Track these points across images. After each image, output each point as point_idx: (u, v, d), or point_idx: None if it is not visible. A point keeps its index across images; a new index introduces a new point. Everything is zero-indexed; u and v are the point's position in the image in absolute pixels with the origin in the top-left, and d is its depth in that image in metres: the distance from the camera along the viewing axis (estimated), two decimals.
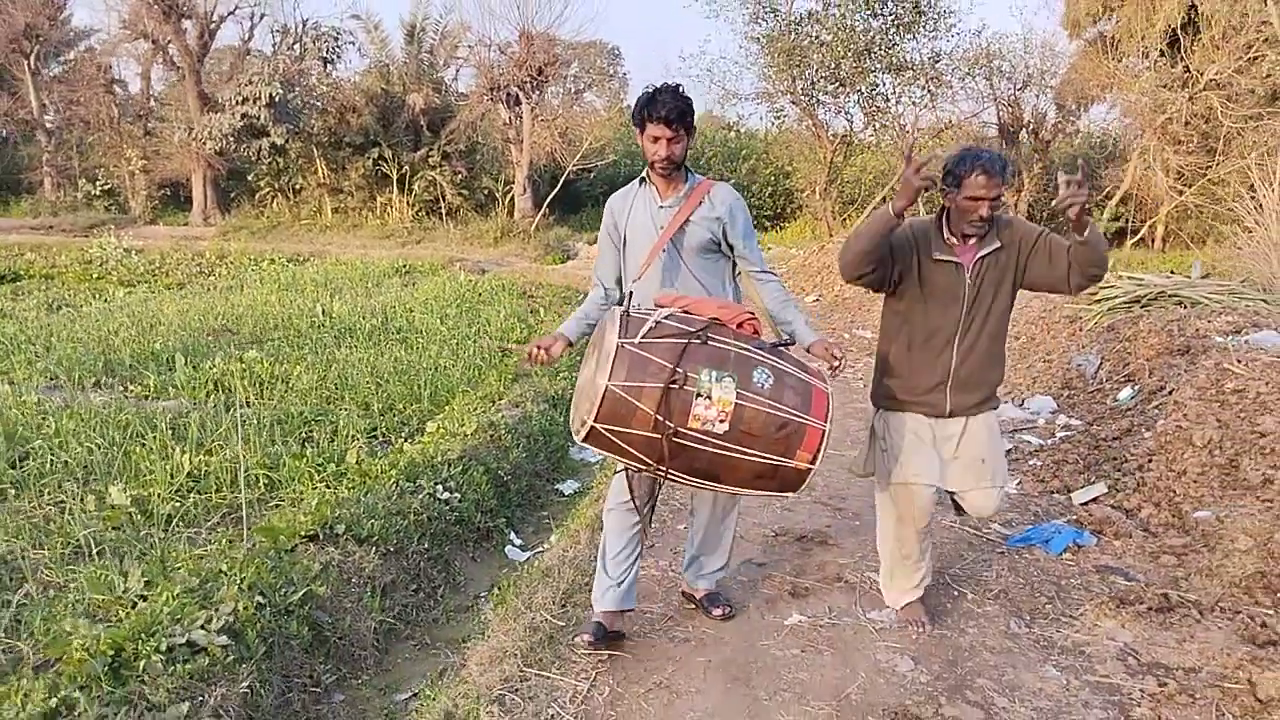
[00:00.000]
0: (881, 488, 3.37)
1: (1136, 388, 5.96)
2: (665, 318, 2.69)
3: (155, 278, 14.53)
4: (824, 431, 2.63)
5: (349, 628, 3.61)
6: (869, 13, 16.54)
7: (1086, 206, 2.80)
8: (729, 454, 2.60)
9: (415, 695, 3.37)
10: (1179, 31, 15.99)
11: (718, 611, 3.43)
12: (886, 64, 16.85)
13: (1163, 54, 16.44)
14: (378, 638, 3.68)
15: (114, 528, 4.45)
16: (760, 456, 2.61)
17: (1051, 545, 4.12)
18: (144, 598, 3.52)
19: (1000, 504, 3.31)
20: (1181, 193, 16.32)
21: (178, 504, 4.70)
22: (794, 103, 18.33)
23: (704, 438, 2.58)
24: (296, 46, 23.13)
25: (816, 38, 17.00)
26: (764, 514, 4.63)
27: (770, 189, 24.87)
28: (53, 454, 5.23)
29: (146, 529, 4.45)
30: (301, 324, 9.57)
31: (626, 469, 2.97)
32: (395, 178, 22.94)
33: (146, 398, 6.77)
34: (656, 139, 2.98)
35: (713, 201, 3.09)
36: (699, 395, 2.55)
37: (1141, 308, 7.29)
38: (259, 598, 3.39)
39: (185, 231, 23.07)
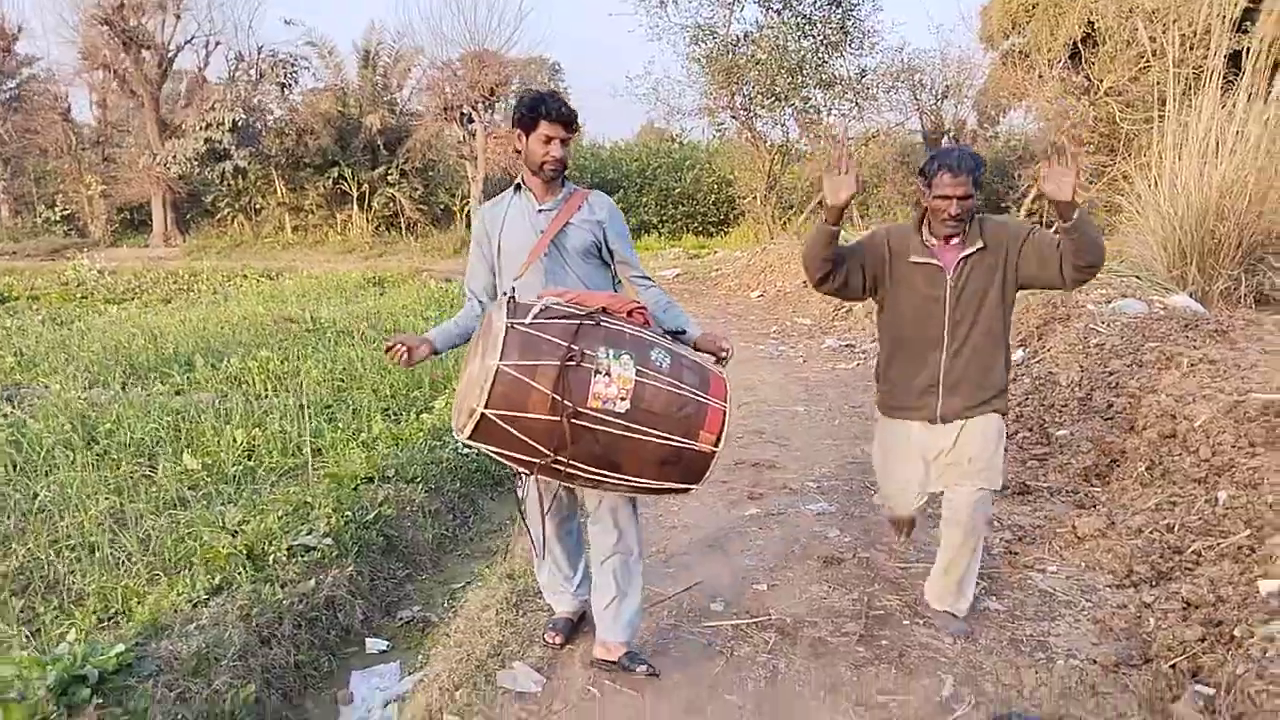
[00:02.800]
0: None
1: (1026, 350, 7.21)
2: (554, 304, 2.62)
3: (138, 295, 15.25)
4: (725, 412, 2.60)
5: (411, 539, 4.65)
6: (799, 34, 17.92)
7: (1074, 189, 2.71)
8: (631, 435, 2.50)
9: (465, 585, 4.40)
10: (1080, 44, 17.58)
11: (642, 669, 3.10)
12: (817, 80, 18.25)
13: (1066, 65, 18.03)
14: (433, 547, 4.72)
15: (190, 487, 5.41)
16: (664, 437, 2.52)
17: None
18: (235, 533, 4.51)
19: (982, 507, 3.19)
20: (1086, 189, 17.86)
21: (240, 468, 5.66)
22: (734, 117, 19.65)
23: (604, 418, 2.46)
24: (253, 72, 23.86)
25: (752, 56, 18.31)
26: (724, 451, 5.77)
27: (714, 196, 26.16)
28: (120, 434, 6.15)
29: (219, 487, 5.42)
30: (296, 328, 10.49)
31: (534, 478, 2.80)
32: (355, 195, 23.80)
33: (178, 392, 7.67)
34: (550, 139, 2.92)
35: (591, 206, 3.07)
36: (598, 373, 2.46)
37: None
38: (344, 517, 4.43)
39: (148, 253, 23.64)
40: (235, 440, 6.02)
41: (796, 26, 17.90)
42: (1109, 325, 6.53)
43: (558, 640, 3.33)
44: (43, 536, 4.37)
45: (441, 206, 24.80)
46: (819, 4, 18.29)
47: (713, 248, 21.89)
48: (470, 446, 2.60)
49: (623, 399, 2.47)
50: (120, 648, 3.06)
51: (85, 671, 2.90)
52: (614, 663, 3.14)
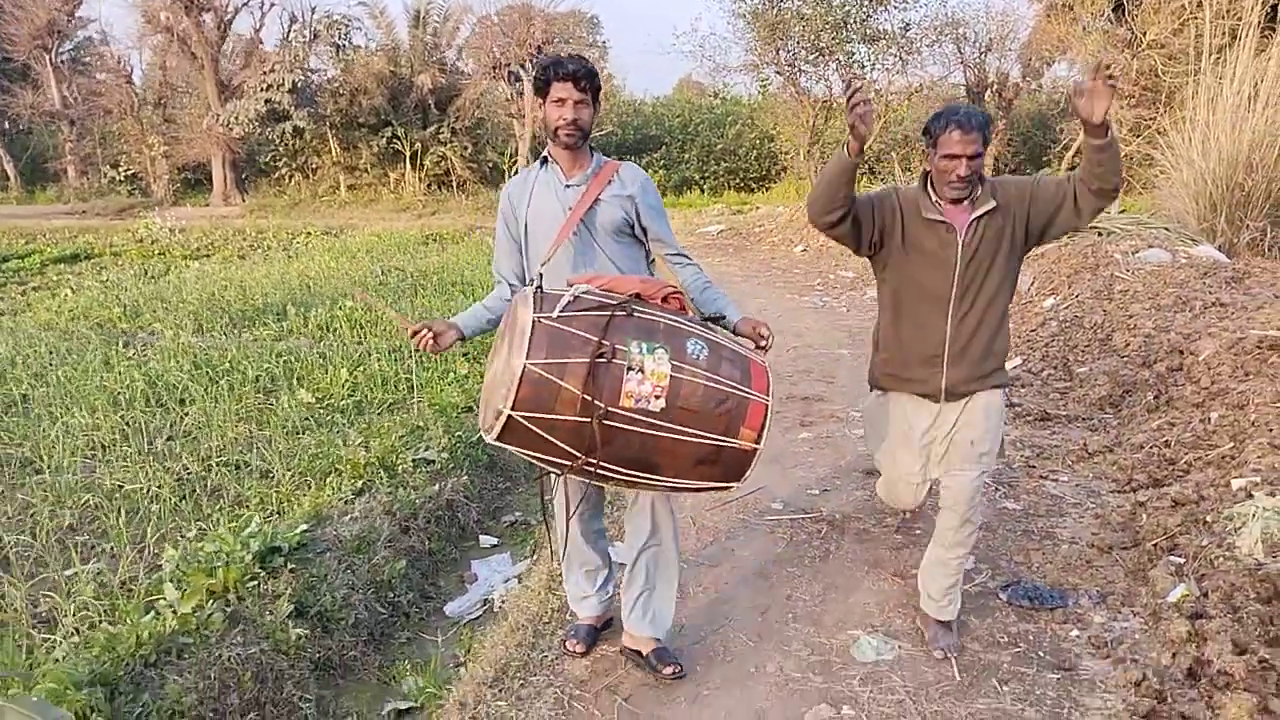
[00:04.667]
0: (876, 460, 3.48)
1: (1057, 298, 7.77)
2: (583, 293, 2.46)
3: (215, 251, 16.16)
4: (767, 406, 2.49)
5: (510, 458, 5.39)
6: None
7: (1106, 110, 2.55)
8: (667, 435, 2.37)
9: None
10: None
11: (668, 670, 3.02)
12: (861, 34, 18.51)
13: (1110, 17, 18.14)
14: (525, 465, 5.46)
15: (307, 418, 6.19)
16: (702, 436, 2.39)
17: None
18: (366, 448, 5.28)
19: (980, 492, 3.08)
20: (1129, 143, 18.06)
21: (349, 402, 6.43)
22: (778, 72, 20.00)
23: (638, 418, 2.34)
24: (307, 33, 24.56)
25: (797, 11, 18.62)
26: (775, 387, 6.42)
27: (755, 152, 26.46)
28: (239, 372, 6.95)
29: (334, 417, 6.19)
30: (369, 282, 11.28)
31: (563, 478, 2.77)
32: (408, 154, 24.53)
33: (278, 339, 8.48)
34: (562, 100, 2.74)
35: (623, 180, 2.87)
36: (630, 369, 2.33)
37: (1068, 237, 9.11)
38: (453, 438, 5.17)
39: (210, 211, 24.60)
40: (340, 377, 6.80)
41: None
42: (1133, 273, 7.06)
43: (579, 649, 3.19)
44: (195, 455, 5.16)
45: (490, 164, 25.44)
46: None
47: (755, 203, 22.31)
48: (498, 447, 2.48)
49: (658, 396, 2.34)
50: (302, 527, 3.84)
51: (279, 544, 3.67)
52: (641, 656, 3.08)
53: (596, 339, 2.33)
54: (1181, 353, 5.24)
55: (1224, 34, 11.47)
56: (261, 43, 25.99)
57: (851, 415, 5.60)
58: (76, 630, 3.22)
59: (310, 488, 4.61)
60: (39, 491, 4.57)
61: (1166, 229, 9.00)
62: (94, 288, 11.58)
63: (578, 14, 32.47)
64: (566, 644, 3.24)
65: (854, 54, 19.21)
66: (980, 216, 2.90)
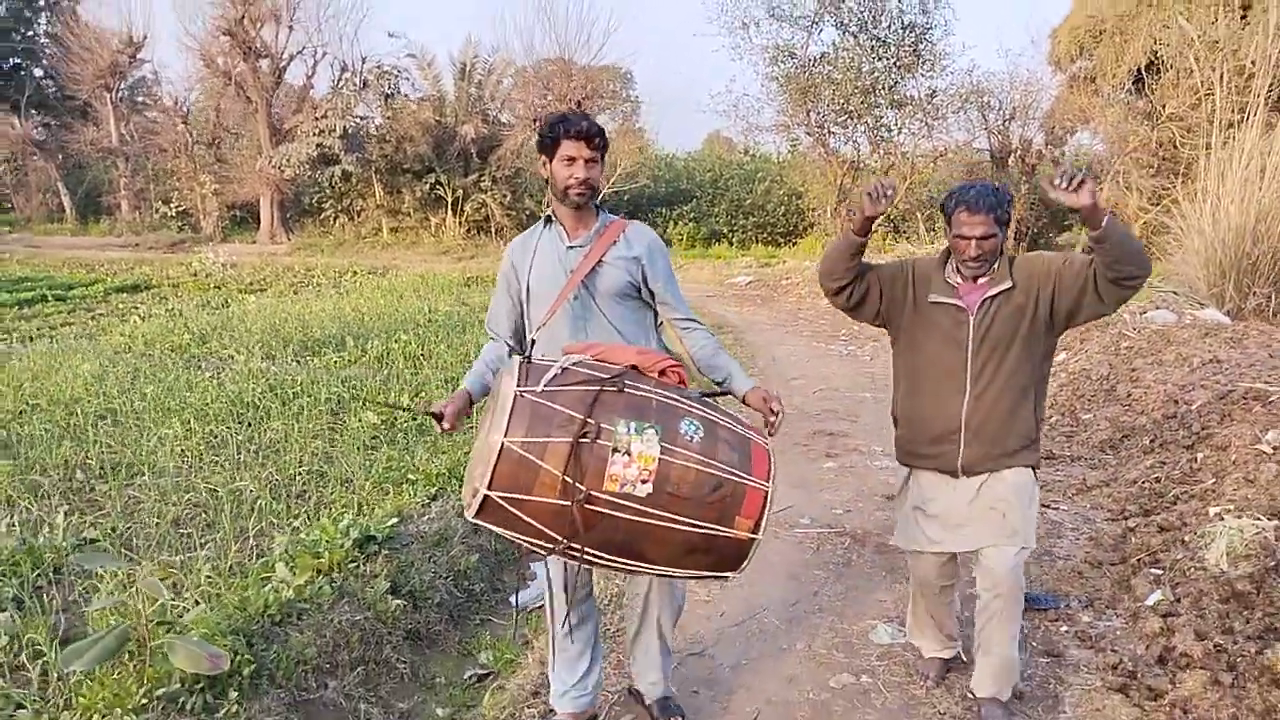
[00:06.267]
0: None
1: (1068, 353, 8.29)
2: (574, 364, 2.35)
3: (268, 285, 16.98)
4: (766, 494, 2.32)
5: None
6: (874, 55, 19.05)
7: (1093, 194, 2.50)
8: (654, 522, 2.23)
9: None
10: (1144, 71, 18.38)
11: None
12: (889, 100, 19.31)
13: (1130, 90, 18.83)
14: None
15: (374, 436, 6.79)
16: (692, 524, 2.24)
17: None
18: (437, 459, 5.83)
19: (1018, 571, 2.92)
20: (1147, 211, 18.65)
21: (411, 424, 7.02)
22: (807, 133, 20.81)
23: (622, 503, 2.20)
24: (357, 81, 25.71)
25: (828, 76, 19.46)
26: (797, 423, 6.98)
27: (784, 208, 27.20)
28: (309, 395, 7.57)
29: (395, 437, 6.78)
30: (420, 319, 11.96)
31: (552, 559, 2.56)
32: (450, 200, 25.48)
33: (342, 367, 9.12)
34: (573, 159, 2.63)
35: (629, 240, 2.75)
36: (616, 450, 2.19)
37: None
38: None
39: (257, 249, 25.61)
40: (404, 401, 7.41)
41: (871, 49, 19.03)
42: (1139, 332, 7.60)
43: None
44: (278, 465, 5.75)
45: (528, 213, 26.33)
46: (893, 27, 19.38)
47: (782, 257, 23.01)
48: (478, 526, 2.37)
49: (644, 481, 2.20)
50: (392, 521, 4.41)
51: (374, 534, 4.25)
52: (644, 705, 3.04)
53: (581, 417, 2.20)
54: (1176, 402, 5.76)
55: (1235, 110, 12.10)
56: (313, 88, 27.22)
57: (873, 449, 6.13)
58: (196, 602, 3.79)
59: (388, 494, 5.19)
60: (146, 491, 5.16)
61: (1175, 292, 9.54)
62: (160, 316, 12.33)
63: (611, 69, 33.69)
64: None
65: (881, 118, 20.00)
66: (993, 296, 2.85)
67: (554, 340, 2.65)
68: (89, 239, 27.59)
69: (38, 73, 32.77)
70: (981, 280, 2.88)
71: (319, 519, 4.60)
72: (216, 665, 2.92)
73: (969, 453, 2.91)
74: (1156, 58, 18.00)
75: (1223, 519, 3.96)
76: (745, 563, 2.36)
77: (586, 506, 2.18)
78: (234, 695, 3.02)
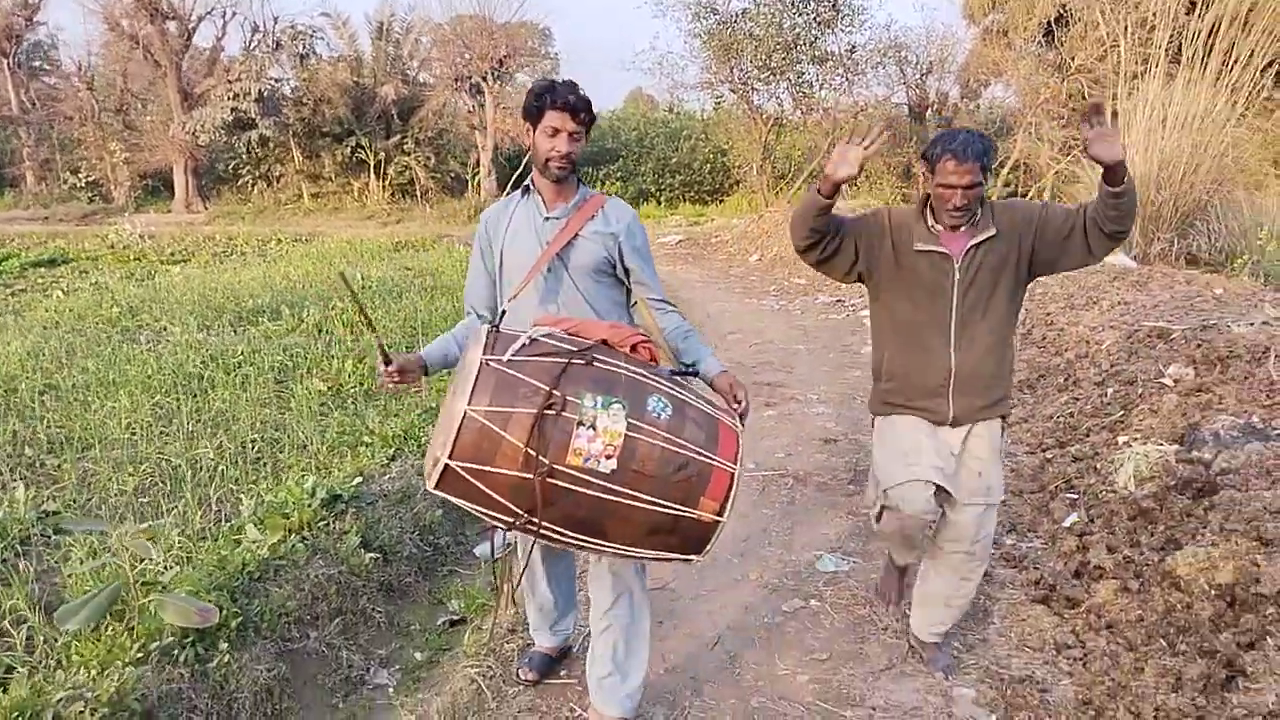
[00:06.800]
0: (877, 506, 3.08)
1: None
2: (543, 335, 2.30)
3: (191, 256, 16.61)
4: (733, 475, 2.26)
5: None
6: (794, 11, 19.24)
7: (1122, 148, 2.47)
8: (617, 500, 2.18)
9: None
10: (1053, 23, 18.98)
11: None
12: (810, 56, 19.56)
13: (1041, 43, 19.43)
14: None
15: (323, 403, 6.87)
16: (656, 503, 2.20)
17: None
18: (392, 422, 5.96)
19: (989, 526, 3.03)
20: (1058, 161, 19.37)
21: (358, 390, 7.11)
22: (732, 90, 20.99)
23: (586, 478, 2.15)
24: (270, 43, 25.01)
25: (749, 33, 19.62)
26: (737, 376, 7.25)
27: (709, 166, 27.45)
28: (253, 364, 7.58)
29: (345, 403, 6.87)
30: (354, 286, 11.91)
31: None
32: (371, 164, 25.09)
33: (278, 336, 9.10)
34: (557, 131, 2.59)
35: (607, 216, 2.72)
36: (581, 424, 2.14)
37: None
38: None
39: (173, 218, 24.89)
40: (345, 368, 7.47)
41: (791, 4, 19.22)
42: (1053, 277, 8.03)
43: (530, 677, 3.16)
44: (229, 433, 5.81)
45: (453, 175, 26.10)
46: None
47: (709, 215, 23.29)
48: (439, 497, 2.30)
49: (609, 456, 2.15)
50: (357, 480, 4.56)
51: (339, 493, 4.39)
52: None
53: (547, 388, 2.14)
54: (1087, 342, 6.17)
55: (1139, 62, 12.66)
56: (224, 50, 26.39)
57: (809, 397, 6.45)
58: (170, 565, 3.89)
59: (345, 457, 5.31)
60: (99, 464, 5.20)
61: None
62: (85, 290, 12.05)
63: (530, 26, 33.33)
64: (519, 672, 3.19)
65: (803, 74, 20.27)
66: (978, 244, 2.79)
67: (524, 313, 2.59)
68: None
69: None
70: (962, 229, 2.81)
71: (282, 482, 4.72)
72: (206, 619, 3.07)
73: (959, 404, 2.89)
74: (1065, 10, 18.58)
75: (1130, 446, 4.35)
76: (709, 546, 2.29)
77: (548, 480, 2.13)
78: (224, 647, 3.17)
